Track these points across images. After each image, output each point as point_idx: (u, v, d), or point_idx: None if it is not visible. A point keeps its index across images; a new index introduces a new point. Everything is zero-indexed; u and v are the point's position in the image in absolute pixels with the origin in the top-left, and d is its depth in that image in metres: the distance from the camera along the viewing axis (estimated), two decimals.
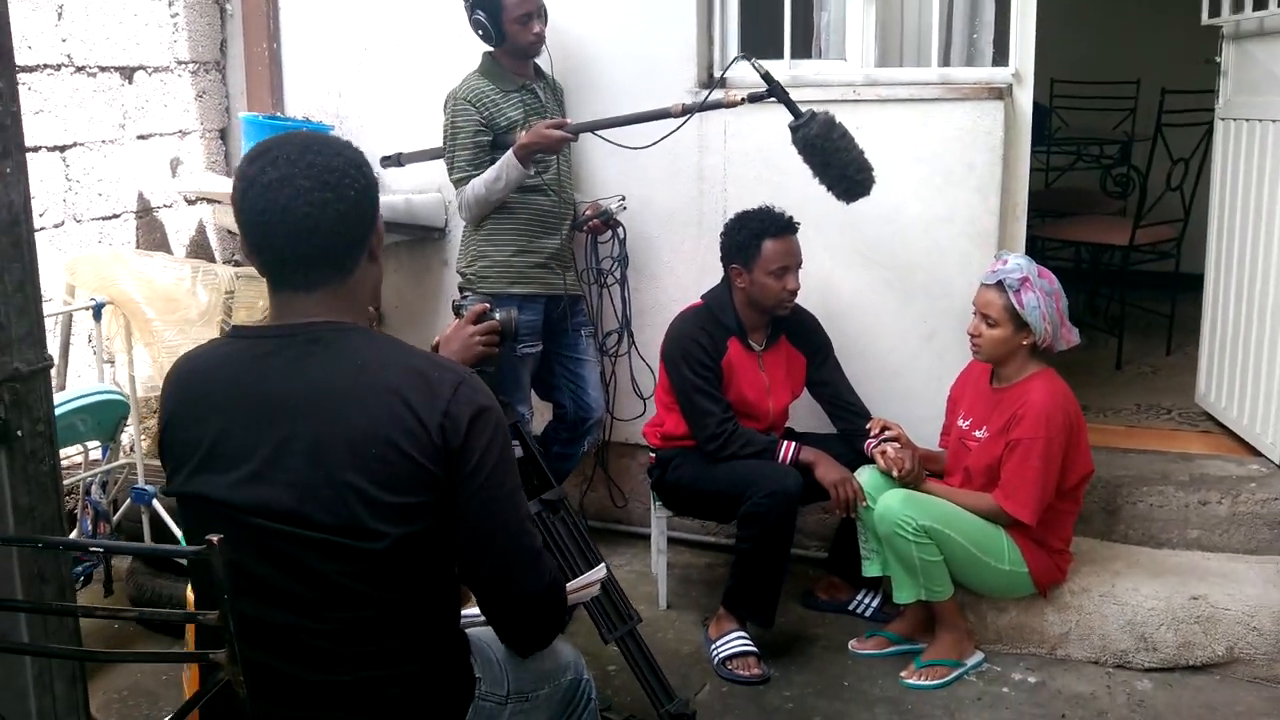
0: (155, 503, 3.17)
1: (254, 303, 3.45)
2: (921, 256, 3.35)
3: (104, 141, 3.66)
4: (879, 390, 3.34)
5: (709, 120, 3.39)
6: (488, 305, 2.07)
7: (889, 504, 2.87)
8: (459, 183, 3.25)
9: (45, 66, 3.44)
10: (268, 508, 1.48)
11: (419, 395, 1.50)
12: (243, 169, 1.55)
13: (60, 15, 3.47)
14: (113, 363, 3.43)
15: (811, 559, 3.53)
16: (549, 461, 2.49)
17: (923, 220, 3.32)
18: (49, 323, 2.25)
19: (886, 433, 3.07)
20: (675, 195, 3.58)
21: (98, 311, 3.17)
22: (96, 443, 3.18)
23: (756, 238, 3.05)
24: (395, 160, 3.65)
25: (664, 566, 3.36)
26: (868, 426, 3.10)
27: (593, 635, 2.50)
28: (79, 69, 3.55)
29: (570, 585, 1.79)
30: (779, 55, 3.45)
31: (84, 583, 3.14)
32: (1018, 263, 2.89)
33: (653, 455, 3.29)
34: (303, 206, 1.50)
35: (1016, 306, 2.85)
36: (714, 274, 3.28)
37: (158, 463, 3.43)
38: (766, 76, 2.94)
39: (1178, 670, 2.91)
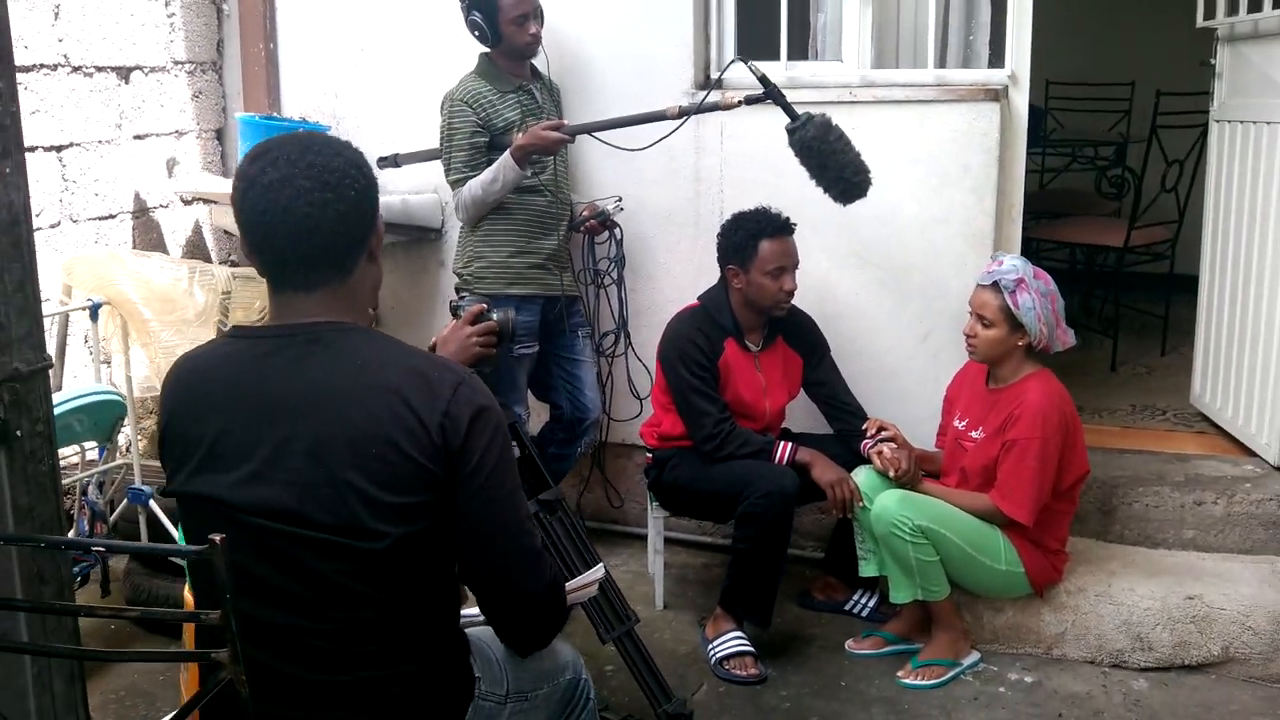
0: (152, 503, 3.17)
1: (251, 303, 3.44)
2: (917, 257, 3.36)
3: (100, 142, 3.66)
4: (875, 391, 3.34)
5: (706, 122, 3.39)
6: (485, 306, 2.07)
7: (885, 504, 2.88)
8: (456, 184, 3.25)
9: (42, 66, 3.43)
10: (267, 507, 1.49)
11: (419, 395, 1.50)
12: (243, 169, 1.55)
13: (57, 15, 3.47)
14: (109, 363, 3.43)
15: (808, 559, 3.54)
16: (545, 462, 2.49)
17: (919, 221, 3.33)
18: (45, 323, 2.24)
19: (883, 433, 3.08)
20: (672, 196, 3.58)
21: (95, 312, 3.17)
22: (93, 443, 3.17)
23: (753, 238, 3.06)
24: (392, 161, 3.65)
25: (661, 567, 3.36)
26: (864, 427, 3.11)
27: (590, 635, 2.50)
28: (75, 69, 3.55)
29: (569, 585, 1.79)
30: (775, 57, 3.45)
31: (81, 583, 3.14)
32: (1013, 264, 2.90)
33: (650, 455, 3.30)
34: (303, 207, 1.50)
35: (1012, 307, 2.85)
36: (710, 275, 3.29)
37: (154, 463, 3.46)
38: (763, 79, 2.95)
39: (1173, 670, 2.92)
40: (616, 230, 3.49)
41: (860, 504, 2.97)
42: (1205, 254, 3.77)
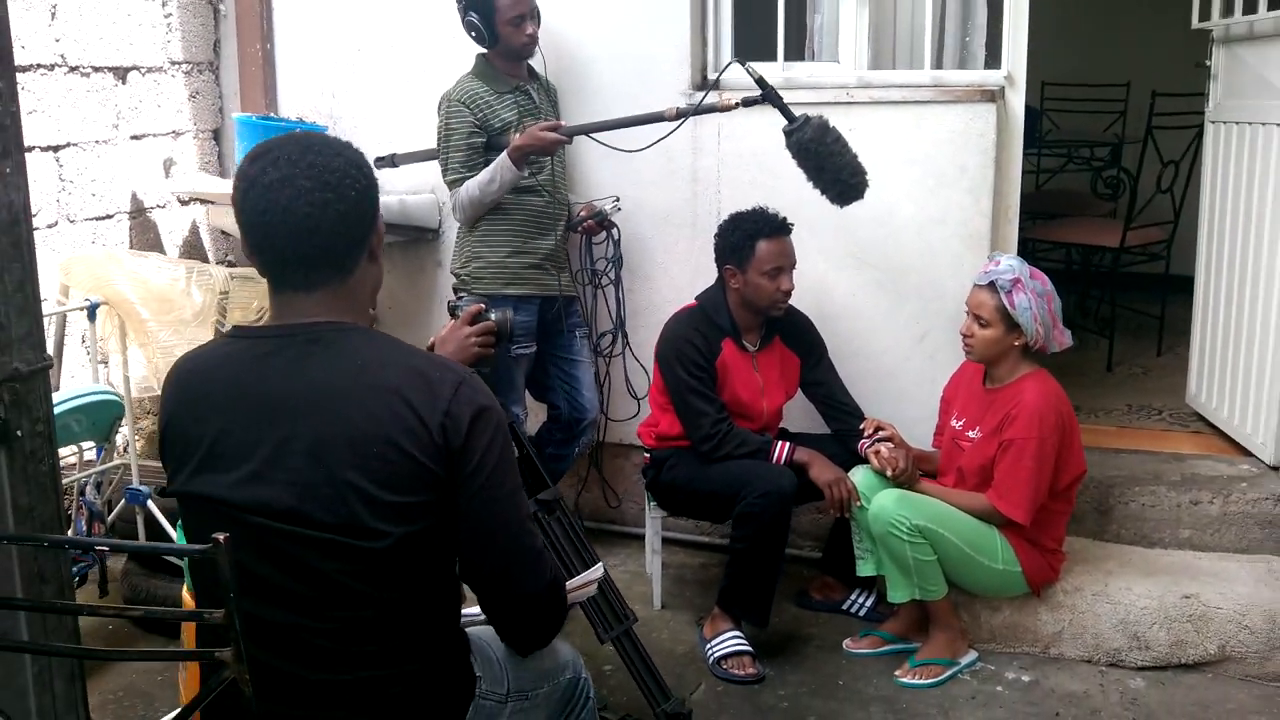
0: (150, 503, 3.17)
1: (248, 303, 3.44)
2: (914, 258, 3.36)
3: (97, 142, 3.66)
4: (872, 390, 3.35)
5: (703, 123, 3.40)
6: (483, 306, 2.08)
7: (883, 504, 2.89)
8: (453, 184, 3.26)
9: (39, 66, 3.43)
10: (268, 507, 1.49)
11: (420, 395, 1.51)
12: (243, 169, 1.55)
13: (54, 15, 3.47)
14: (106, 363, 3.43)
15: (805, 559, 3.54)
16: (543, 462, 2.50)
17: (915, 222, 3.34)
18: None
19: (880, 433, 3.08)
20: (669, 197, 3.59)
21: (92, 312, 3.17)
22: (91, 443, 3.17)
23: (751, 238, 3.06)
24: (389, 161, 3.65)
25: (658, 566, 3.37)
26: (861, 427, 3.12)
27: (588, 635, 2.51)
28: (72, 69, 3.55)
29: (569, 584, 1.79)
30: (772, 57, 3.46)
31: (79, 583, 3.14)
32: (1010, 264, 2.90)
33: (647, 455, 3.30)
34: (304, 207, 1.51)
35: (1008, 307, 2.86)
36: (707, 275, 3.29)
37: (152, 463, 3.46)
38: (760, 81, 2.96)
39: (1170, 669, 2.93)
40: (614, 230, 3.50)
41: (858, 503, 2.98)
42: (1201, 254, 3.78)
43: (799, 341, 3.26)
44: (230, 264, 4.09)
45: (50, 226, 3.49)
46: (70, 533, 3.07)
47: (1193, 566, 3.11)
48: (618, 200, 3.45)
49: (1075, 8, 5.74)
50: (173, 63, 3.95)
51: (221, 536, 1.27)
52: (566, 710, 1.87)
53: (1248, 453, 3.49)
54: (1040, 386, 2.90)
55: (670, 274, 3.62)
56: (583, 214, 3.42)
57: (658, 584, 3.37)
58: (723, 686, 2.91)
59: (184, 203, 4.02)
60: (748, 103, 3.01)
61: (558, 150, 3.24)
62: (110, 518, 3.23)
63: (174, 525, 3.11)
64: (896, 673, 2.94)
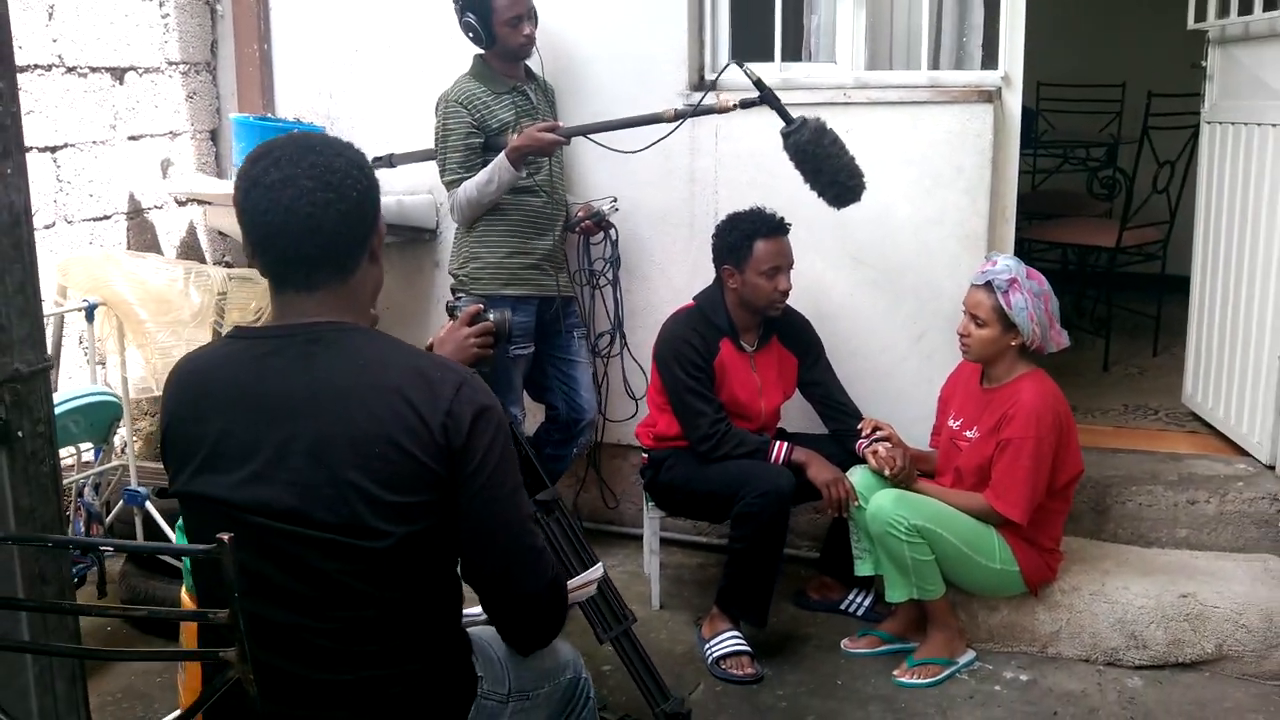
0: (148, 504, 3.17)
1: (246, 304, 3.44)
2: (911, 258, 3.37)
3: (95, 142, 3.65)
4: (870, 391, 3.36)
5: (700, 123, 3.40)
6: (481, 306, 2.08)
7: (881, 504, 2.89)
8: (450, 185, 3.26)
9: (36, 67, 3.43)
10: (269, 507, 1.49)
11: (421, 394, 1.51)
12: (245, 169, 1.56)
13: (51, 15, 3.46)
14: (104, 364, 3.42)
15: (803, 559, 3.55)
16: (541, 463, 2.50)
17: (912, 222, 3.35)
18: None
19: (878, 433, 3.08)
20: (667, 197, 3.59)
21: (90, 313, 3.17)
22: (89, 445, 3.17)
23: (748, 238, 3.07)
24: (387, 161, 3.65)
25: (656, 567, 3.37)
26: (859, 426, 3.12)
27: (586, 635, 2.51)
28: (70, 69, 3.54)
29: (570, 584, 1.80)
30: (769, 58, 3.46)
31: (78, 585, 3.14)
32: (1007, 264, 2.91)
33: (645, 456, 3.30)
34: (305, 207, 1.51)
35: (1004, 307, 2.87)
36: (705, 275, 3.30)
37: (151, 464, 3.46)
38: (758, 83, 2.96)
39: (1168, 668, 2.93)
40: (612, 231, 3.50)
41: (856, 503, 2.98)
42: (1197, 254, 3.79)
43: (796, 341, 3.26)
44: (228, 265, 4.09)
45: (48, 227, 3.49)
46: (68, 534, 3.07)
47: (1190, 566, 3.12)
48: (615, 201, 3.45)
49: (1071, 8, 5.75)
50: (170, 63, 3.95)
51: (226, 536, 1.27)
52: (567, 710, 1.88)
53: (1244, 452, 3.50)
54: (1037, 386, 2.90)
55: (668, 274, 3.63)
56: (580, 214, 3.42)
57: (656, 584, 3.37)
58: (721, 686, 2.91)
59: (181, 203, 4.02)
60: (746, 104, 3.02)
61: (555, 151, 3.24)
62: (109, 519, 3.22)
63: (172, 526, 3.11)
64: (895, 672, 2.95)
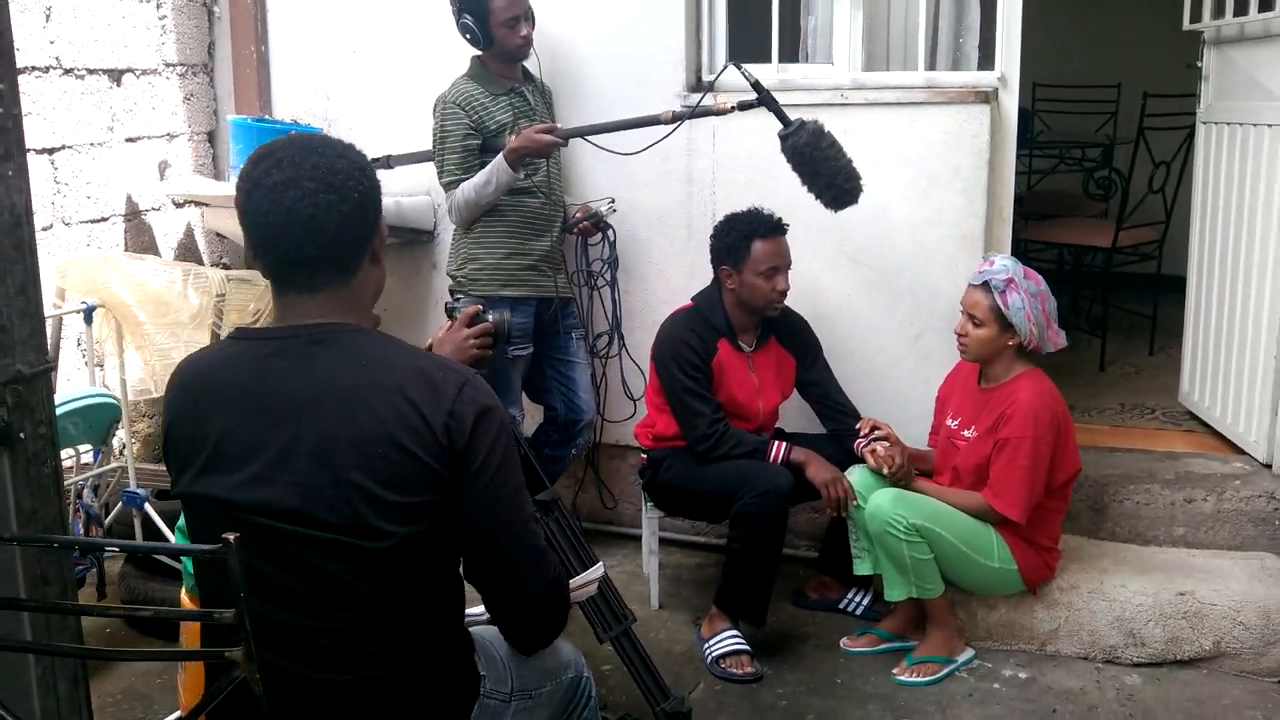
0: (147, 506, 3.17)
1: (245, 305, 3.44)
2: (908, 258, 3.38)
3: (92, 144, 3.65)
4: (867, 390, 3.36)
5: (698, 124, 3.40)
6: (480, 307, 2.08)
7: (880, 503, 2.90)
8: (448, 186, 3.26)
9: (33, 69, 3.43)
10: (271, 508, 1.49)
11: (424, 395, 1.51)
12: (247, 171, 1.56)
13: (48, 17, 3.46)
14: (102, 366, 3.42)
15: (802, 558, 3.55)
16: (540, 464, 2.50)
17: (909, 223, 3.36)
18: None
19: (876, 432, 3.09)
20: (664, 198, 3.60)
21: (89, 315, 3.16)
22: (88, 446, 3.17)
23: (746, 239, 3.08)
24: (384, 163, 3.65)
25: (655, 567, 3.37)
26: (857, 426, 3.13)
27: (586, 635, 2.51)
28: (67, 71, 3.54)
29: (571, 583, 1.80)
30: (766, 59, 3.47)
31: (77, 586, 3.13)
32: (1004, 264, 2.92)
33: (644, 456, 3.31)
34: (307, 208, 1.51)
35: (1001, 307, 2.88)
36: (703, 276, 3.30)
37: (150, 466, 3.45)
38: (756, 85, 2.97)
39: (1166, 665, 2.94)
40: (609, 232, 3.50)
41: (854, 503, 2.99)
42: (1193, 254, 3.80)
43: (794, 342, 3.27)
44: (225, 266, 4.09)
45: (45, 229, 3.49)
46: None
47: (1187, 564, 3.13)
48: (613, 202, 3.46)
49: (1066, 9, 5.77)
50: (167, 65, 3.95)
51: (232, 536, 1.27)
52: (569, 709, 1.88)
53: (1240, 451, 3.51)
54: (1035, 386, 2.91)
55: (665, 275, 3.63)
56: (578, 215, 3.43)
57: (655, 584, 3.37)
58: (721, 685, 2.92)
59: (179, 205, 4.01)
60: (744, 106, 3.02)
61: (553, 152, 3.24)
62: (108, 521, 3.22)
63: (171, 528, 3.11)
64: (894, 671, 2.95)
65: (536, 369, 3.44)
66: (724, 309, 3.16)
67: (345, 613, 1.52)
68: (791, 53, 3.67)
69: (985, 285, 2.90)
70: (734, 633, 3.02)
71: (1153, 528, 3.31)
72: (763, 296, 3.09)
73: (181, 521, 2.30)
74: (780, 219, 3.11)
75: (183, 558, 2.32)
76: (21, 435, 1.67)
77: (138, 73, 3.82)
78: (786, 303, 3.15)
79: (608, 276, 3.56)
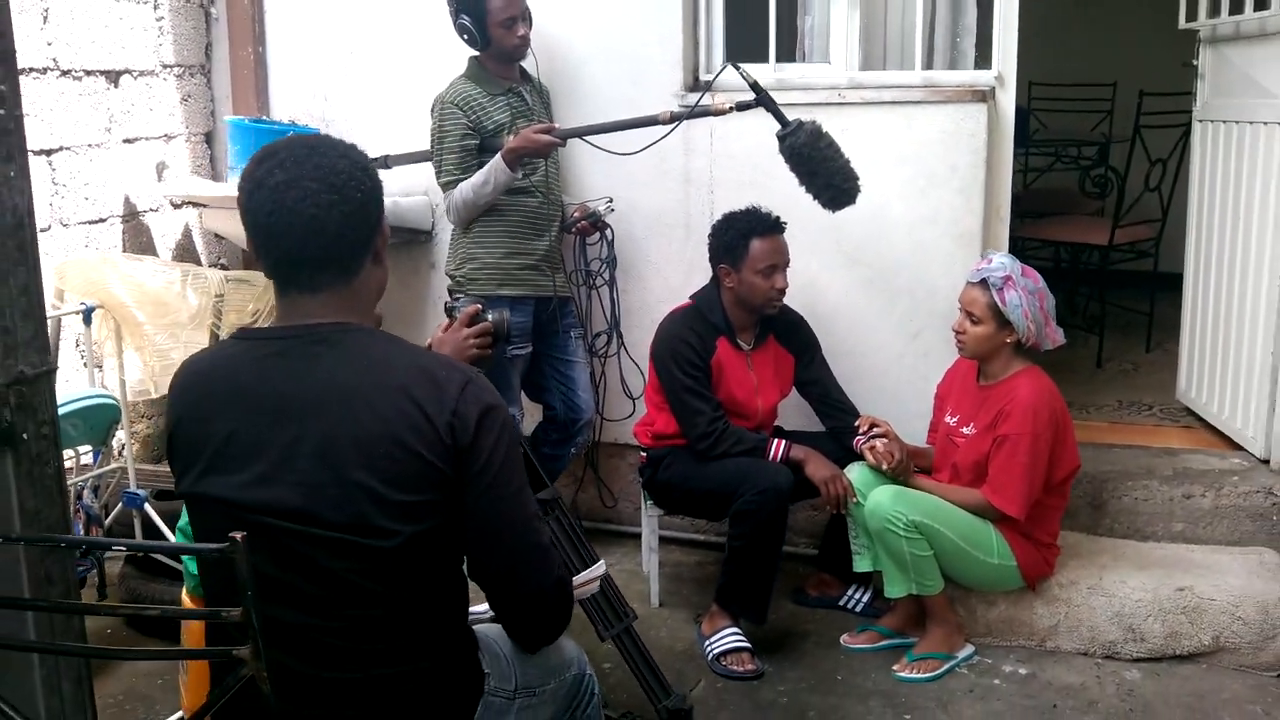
0: (147, 507, 3.17)
1: (243, 306, 3.44)
2: (906, 257, 3.39)
3: (90, 145, 3.65)
4: (866, 388, 3.37)
5: (695, 124, 3.40)
6: (480, 306, 2.08)
7: (879, 500, 2.91)
8: (446, 186, 3.26)
9: (31, 70, 3.42)
10: (277, 507, 1.50)
11: (427, 393, 1.52)
12: (249, 171, 1.57)
13: (45, 19, 3.46)
14: (101, 367, 3.42)
15: (801, 556, 3.56)
16: (539, 463, 2.51)
17: (907, 221, 3.36)
18: None
19: (875, 429, 3.10)
20: (662, 197, 3.60)
21: (88, 316, 3.16)
22: (88, 447, 3.17)
23: (744, 237, 3.08)
24: (382, 163, 3.65)
25: (655, 565, 3.38)
26: (856, 424, 3.13)
27: (587, 633, 2.52)
28: (64, 73, 3.54)
29: (574, 581, 1.81)
30: (764, 59, 3.47)
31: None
32: (1002, 261, 2.93)
33: (644, 454, 3.31)
34: (309, 208, 1.52)
35: (999, 304, 2.88)
36: (701, 275, 3.31)
37: (149, 467, 3.45)
38: (755, 85, 2.97)
39: (1165, 660, 2.95)
40: (608, 231, 3.51)
41: (854, 500, 2.99)
42: (1190, 251, 3.82)
43: (793, 340, 3.28)
44: (223, 267, 4.08)
45: (43, 231, 3.48)
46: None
47: (1186, 559, 3.14)
48: (611, 201, 3.46)
49: (1062, 8, 5.78)
50: (164, 66, 3.95)
51: (239, 535, 1.28)
52: (573, 705, 1.89)
53: (1238, 446, 3.52)
54: (1034, 383, 2.92)
55: (664, 274, 3.64)
56: (576, 215, 3.43)
57: (655, 582, 3.38)
58: (722, 683, 2.93)
59: (177, 206, 4.01)
60: (742, 107, 3.03)
61: (551, 152, 3.25)
62: (108, 521, 3.22)
63: (171, 528, 3.11)
64: (894, 667, 2.96)
65: (535, 368, 3.44)
66: (723, 307, 3.17)
67: (351, 611, 1.52)
68: (789, 52, 3.68)
69: (983, 283, 2.91)
70: (735, 630, 3.03)
71: (1151, 524, 3.32)
72: (761, 295, 3.10)
73: (182, 522, 2.30)
74: (778, 217, 3.11)
75: (184, 558, 2.31)
76: (24, 436, 1.67)
77: (135, 74, 3.82)
78: (785, 301, 3.16)
79: (606, 276, 3.57)
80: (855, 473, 3.05)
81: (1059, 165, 5.73)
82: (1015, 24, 3.26)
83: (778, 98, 3.00)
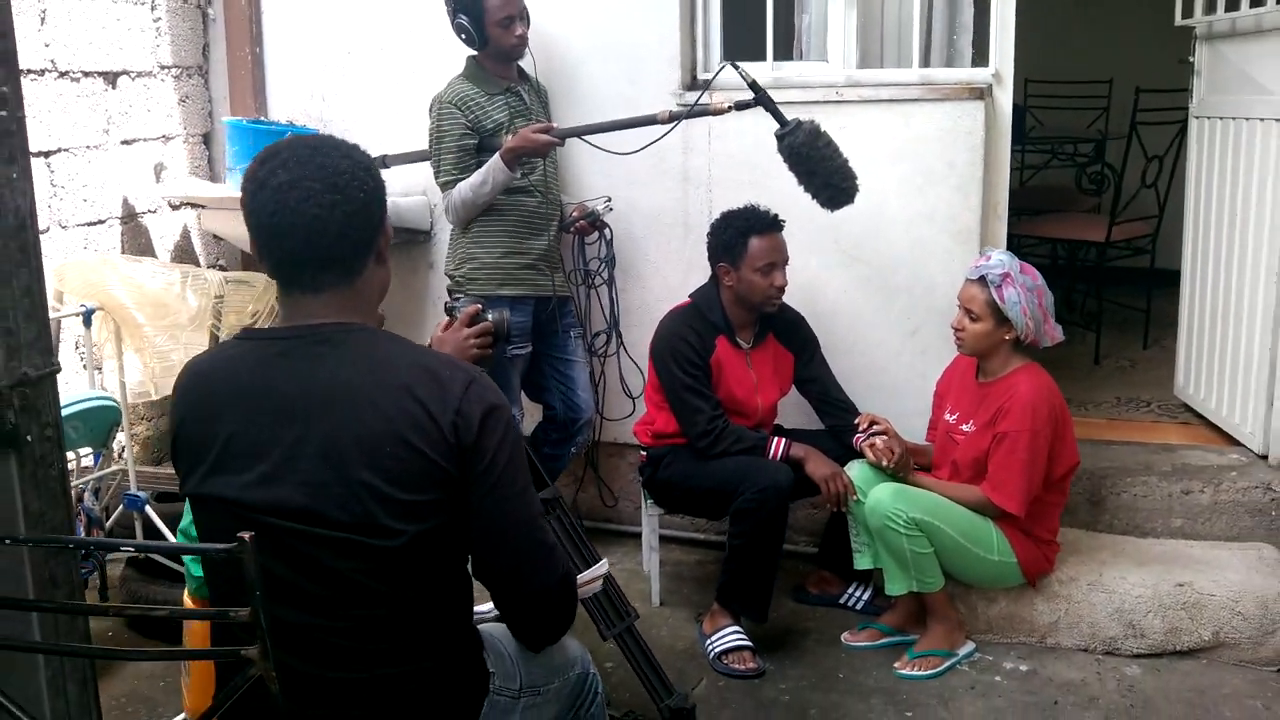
0: (148, 509, 3.17)
1: (243, 307, 3.44)
2: (904, 254, 3.39)
3: (88, 147, 3.64)
4: (865, 386, 3.38)
5: (693, 123, 3.40)
6: (480, 306, 2.09)
7: (879, 497, 2.91)
8: (445, 186, 3.26)
9: (29, 72, 3.42)
10: (282, 507, 1.50)
11: (431, 393, 1.52)
12: (252, 171, 1.57)
13: (43, 20, 3.46)
14: (100, 369, 3.42)
15: (802, 554, 3.56)
16: (540, 462, 2.51)
17: (905, 218, 3.37)
18: None
19: (874, 427, 3.10)
20: (661, 196, 3.60)
21: (88, 318, 3.16)
22: (88, 450, 3.16)
23: (743, 235, 3.09)
24: (380, 162, 3.64)
25: (656, 564, 3.38)
26: (856, 421, 3.14)
27: (589, 632, 2.52)
28: (62, 74, 3.54)
29: (579, 579, 1.81)
30: (761, 57, 3.48)
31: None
32: (1000, 259, 2.94)
33: (644, 454, 3.31)
34: (312, 209, 1.52)
35: (998, 301, 2.89)
36: (700, 274, 3.32)
37: (150, 469, 3.45)
38: (753, 85, 2.98)
39: (1165, 655, 2.96)
40: (606, 230, 3.51)
41: (854, 497, 3.00)
42: (1187, 248, 3.82)
43: (792, 338, 3.28)
44: (222, 268, 4.08)
45: (42, 232, 3.45)
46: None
47: (1185, 555, 3.15)
48: (609, 200, 3.47)
49: (1058, 5, 5.79)
50: (162, 67, 3.95)
51: (247, 535, 1.28)
52: (576, 705, 1.89)
53: (1236, 442, 3.53)
54: (1033, 380, 2.93)
55: (663, 273, 3.64)
56: (575, 214, 3.43)
57: (656, 581, 3.38)
58: (724, 681, 2.93)
59: (175, 207, 4.01)
60: (741, 106, 3.03)
61: (550, 152, 3.25)
62: (109, 524, 3.22)
63: (172, 530, 3.11)
64: (896, 664, 2.97)
65: (535, 368, 3.44)
66: (722, 306, 3.17)
67: (356, 611, 1.53)
68: (786, 50, 3.68)
69: (982, 280, 2.92)
70: (736, 629, 3.03)
71: (1150, 520, 3.33)
72: (760, 293, 3.10)
73: (184, 524, 2.30)
74: (776, 215, 3.12)
75: (186, 560, 2.31)
76: (28, 438, 1.67)
77: (133, 75, 3.82)
78: (784, 299, 3.16)
79: (605, 275, 3.57)
80: (855, 470, 3.05)
81: (1055, 162, 5.74)
82: (1012, 21, 3.27)
83: (775, 96, 3.00)
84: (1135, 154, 4.45)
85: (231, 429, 1.54)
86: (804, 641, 3.13)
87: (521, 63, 3.39)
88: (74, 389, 3.30)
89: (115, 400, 3.15)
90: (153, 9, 3.88)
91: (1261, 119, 3.31)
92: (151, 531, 3.18)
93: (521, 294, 3.30)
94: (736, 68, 3.02)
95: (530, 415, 3.61)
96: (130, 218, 3.83)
